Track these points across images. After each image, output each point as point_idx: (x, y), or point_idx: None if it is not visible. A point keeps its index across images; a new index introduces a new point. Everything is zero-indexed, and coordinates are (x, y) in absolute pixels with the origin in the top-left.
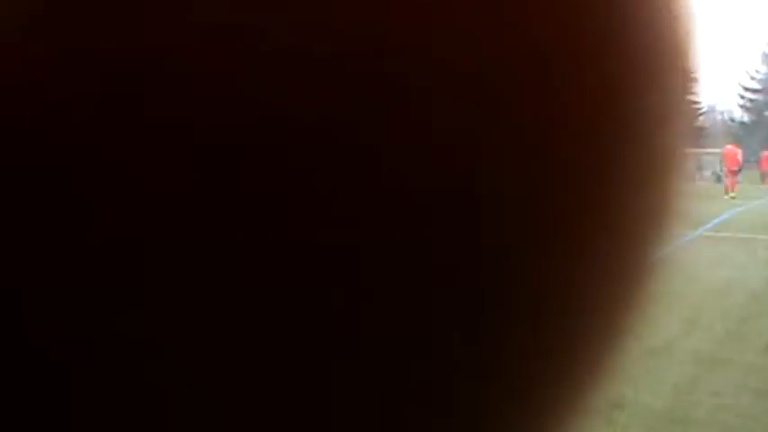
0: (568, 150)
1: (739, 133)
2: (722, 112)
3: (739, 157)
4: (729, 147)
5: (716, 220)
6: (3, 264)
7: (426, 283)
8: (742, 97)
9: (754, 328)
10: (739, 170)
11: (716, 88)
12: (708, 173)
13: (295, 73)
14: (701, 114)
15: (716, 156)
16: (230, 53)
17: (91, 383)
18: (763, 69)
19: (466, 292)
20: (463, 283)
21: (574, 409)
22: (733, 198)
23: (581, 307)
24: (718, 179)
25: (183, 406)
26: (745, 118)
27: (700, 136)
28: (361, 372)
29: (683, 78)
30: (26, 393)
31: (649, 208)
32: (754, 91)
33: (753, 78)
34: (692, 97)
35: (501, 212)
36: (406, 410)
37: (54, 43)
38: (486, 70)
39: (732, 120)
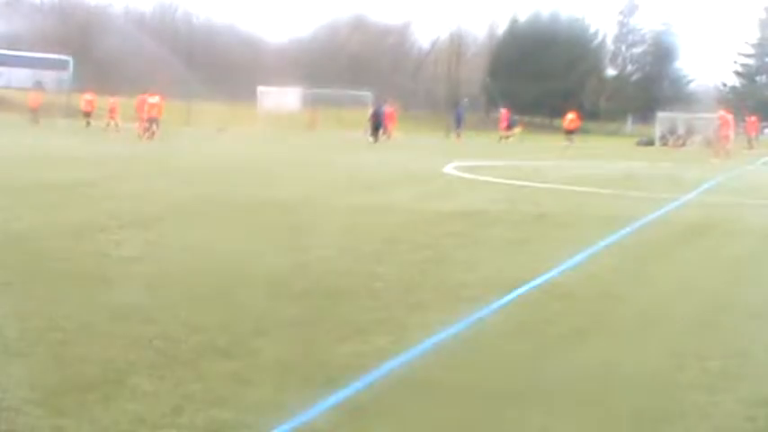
0: None
1: (730, 98)
2: (714, 78)
3: (731, 122)
4: (722, 113)
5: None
6: None
7: None
8: (735, 62)
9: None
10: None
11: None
12: (699, 137)
13: None
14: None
15: (707, 121)
16: None
17: None
18: (756, 34)
19: None
20: None
21: None
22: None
23: None
24: (708, 144)
25: None
26: (737, 83)
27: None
28: None
29: None
30: None
31: None
32: (747, 56)
33: (746, 43)
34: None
35: None
36: None
37: None
38: None
39: (724, 85)
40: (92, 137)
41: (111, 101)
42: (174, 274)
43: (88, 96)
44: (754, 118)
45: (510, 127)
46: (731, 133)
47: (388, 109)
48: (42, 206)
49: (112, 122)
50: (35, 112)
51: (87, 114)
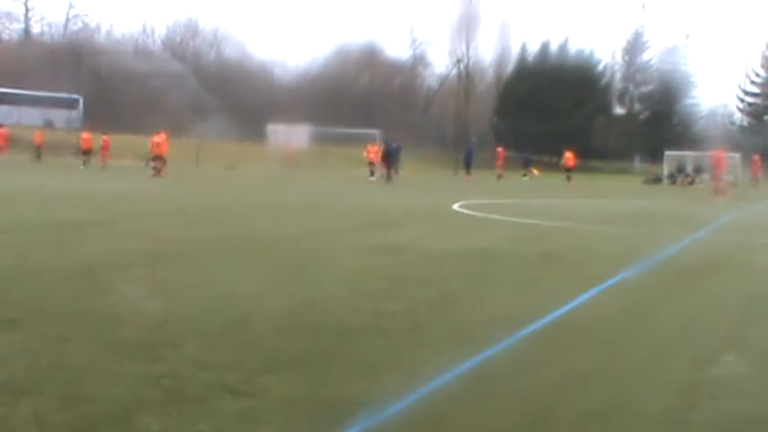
0: None
1: (739, 137)
2: (722, 116)
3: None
4: (718, 151)
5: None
6: None
7: None
8: (742, 101)
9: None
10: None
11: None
12: (707, 176)
13: None
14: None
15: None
16: None
17: None
18: (762, 73)
19: None
20: None
21: None
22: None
23: None
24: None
25: None
26: (745, 122)
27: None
28: None
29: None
30: None
31: None
32: (754, 95)
33: (753, 83)
34: (693, 101)
35: None
36: None
37: None
38: None
39: (732, 123)
40: (98, 175)
41: (103, 138)
42: (182, 312)
43: (85, 135)
44: (757, 157)
45: (526, 166)
46: (729, 171)
47: (379, 147)
48: (51, 244)
49: (102, 161)
50: (39, 150)
51: (86, 153)
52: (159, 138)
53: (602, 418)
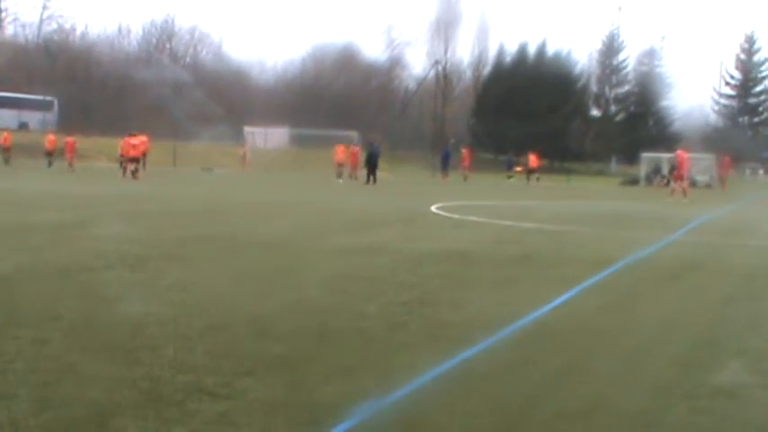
0: None
1: (714, 138)
2: (698, 118)
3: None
4: (680, 151)
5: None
6: None
7: None
8: (717, 103)
9: None
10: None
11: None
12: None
13: None
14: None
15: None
16: None
17: None
18: (737, 75)
19: None
20: None
21: None
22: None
23: None
24: (693, 183)
25: None
26: (720, 123)
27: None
28: None
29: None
30: None
31: None
32: (729, 97)
33: (727, 84)
34: (668, 103)
35: None
36: None
37: None
38: None
39: (707, 125)
40: (69, 177)
41: (66, 139)
42: (159, 315)
43: (50, 136)
44: (726, 158)
45: (510, 168)
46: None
47: (353, 149)
48: (26, 248)
49: (68, 162)
50: (7, 153)
51: (50, 154)
52: (136, 139)
53: (579, 418)
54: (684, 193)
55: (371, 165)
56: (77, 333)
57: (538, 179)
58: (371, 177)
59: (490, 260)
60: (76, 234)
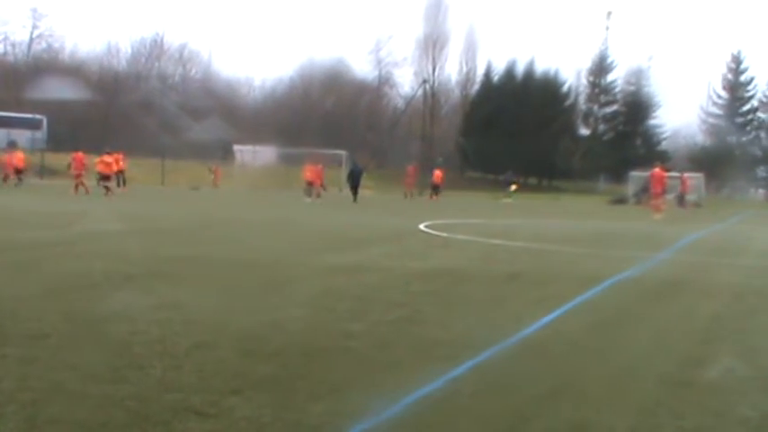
0: None
1: (701, 158)
2: (685, 137)
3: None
4: (657, 170)
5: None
6: None
7: None
8: (704, 122)
9: None
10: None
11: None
12: (671, 196)
13: None
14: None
15: (678, 179)
16: None
17: None
18: (724, 95)
19: None
20: None
21: None
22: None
23: None
24: (681, 202)
25: None
26: (708, 142)
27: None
28: None
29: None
30: None
31: None
32: (716, 116)
33: (715, 104)
34: (656, 122)
35: None
36: None
37: None
38: None
39: (695, 144)
40: (55, 196)
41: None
42: (146, 333)
43: (19, 154)
44: (686, 175)
45: (509, 184)
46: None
47: (318, 167)
48: (10, 266)
49: (13, 178)
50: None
51: (19, 171)
52: (110, 157)
53: None
54: (660, 209)
55: (354, 183)
56: (64, 352)
57: (435, 195)
58: (354, 195)
59: (479, 279)
60: (61, 252)
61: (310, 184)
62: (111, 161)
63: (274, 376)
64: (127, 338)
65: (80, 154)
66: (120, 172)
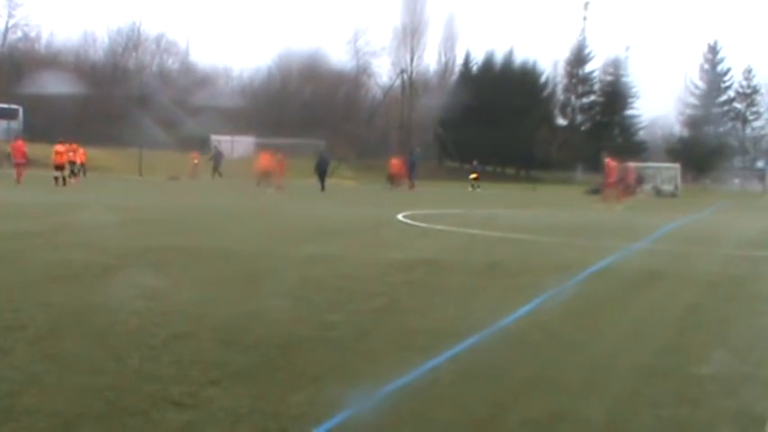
0: None
1: (678, 148)
2: (662, 127)
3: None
4: (609, 159)
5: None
6: None
7: None
8: (681, 113)
9: None
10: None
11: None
12: (648, 186)
13: None
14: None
15: (656, 170)
16: None
17: None
18: (701, 85)
19: None
20: None
21: None
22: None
23: None
24: (659, 192)
25: None
26: (685, 133)
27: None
28: None
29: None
30: None
31: None
32: (693, 106)
33: (692, 94)
34: (633, 112)
35: None
36: None
37: None
38: None
39: (672, 135)
40: (33, 187)
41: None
42: (124, 324)
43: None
44: (632, 164)
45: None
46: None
47: (279, 157)
48: None
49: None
50: None
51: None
52: (62, 147)
53: (545, 427)
54: (618, 199)
55: (321, 171)
56: (42, 342)
57: (393, 185)
58: (322, 184)
59: (457, 268)
60: (38, 243)
61: (265, 173)
62: (63, 150)
63: (253, 367)
64: (105, 329)
65: (19, 142)
66: (73, 162)
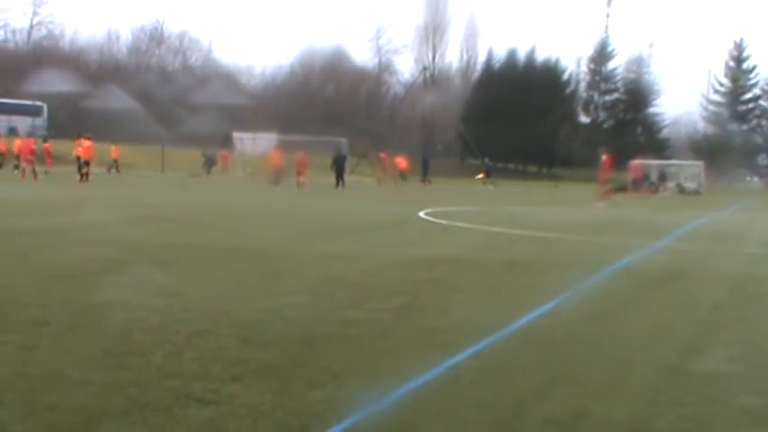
0: None
1: (702, 146)
2: (686, 125)
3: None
4: (604, 157)
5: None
6: None
7: None
8: (705, 110)
9: None
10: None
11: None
12: (671, 184)
13: None
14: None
15: (679, 168)
16: None
17: None
18: (725, 82)
19: None
20: None
21: None
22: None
23: None
24: (682, 190)
25: None
26: (709, 130)
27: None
28: None
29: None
30: None
31: None
32: (718, 104)
33: (716, 91)
34: (657, 110)
35: None
36: None
37: None
38: None
39: (696, 132)
40: (51, 183)
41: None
42: (147, 320)
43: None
44: (636, 161)
45: (488, 174)
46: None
47: (301, 155)
48: (13, 252)
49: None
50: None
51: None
52: (87, 142)
53: (567, 426)
54: (607, 197)
55: (338, 169)
56: (65, 338)
57: (404, 179)
58: (340, 181)
59: (479, 266)
60: (63, 239)
61: (278, 170)
62: (88, 146)
63: (274, 363)
64: (127, 325)
65: (29, 140)
66: (78, 158)
